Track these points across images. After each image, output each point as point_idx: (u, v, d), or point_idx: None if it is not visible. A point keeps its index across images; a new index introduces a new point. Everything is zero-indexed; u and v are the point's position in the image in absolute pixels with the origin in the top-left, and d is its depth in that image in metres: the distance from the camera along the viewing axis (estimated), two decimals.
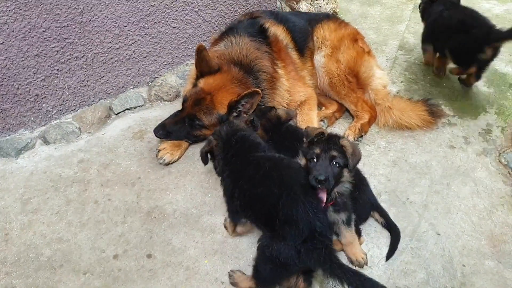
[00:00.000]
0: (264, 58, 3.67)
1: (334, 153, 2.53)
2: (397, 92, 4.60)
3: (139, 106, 4.16)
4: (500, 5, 6.50)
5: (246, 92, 3.24)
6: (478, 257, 2.92)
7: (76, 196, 3.28)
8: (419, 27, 5.87)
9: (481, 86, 4.67)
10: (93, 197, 3.27)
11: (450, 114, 4.27)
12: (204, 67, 3.47)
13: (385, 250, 2.93)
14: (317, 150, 2.54)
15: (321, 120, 4.01)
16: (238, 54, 3.59)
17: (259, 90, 3.26)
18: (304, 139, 2.68)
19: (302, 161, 2.64)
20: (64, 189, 3.33)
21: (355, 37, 4.39)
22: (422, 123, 4.02)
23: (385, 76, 4.49)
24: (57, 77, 3.69)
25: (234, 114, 3.41)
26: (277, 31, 4.01)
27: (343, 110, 4.24)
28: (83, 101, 3.92)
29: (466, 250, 2.96)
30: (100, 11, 3.64)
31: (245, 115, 3.42)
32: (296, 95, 3.83)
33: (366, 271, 2.79)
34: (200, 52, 3.39)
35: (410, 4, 6.59)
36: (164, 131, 3.51)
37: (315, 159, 2.54)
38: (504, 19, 6.06)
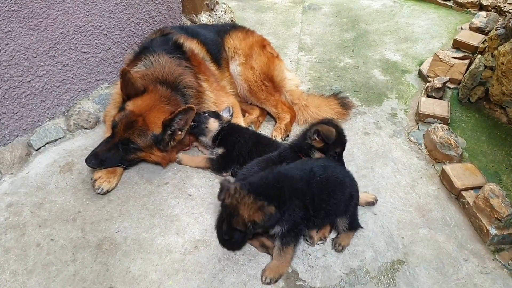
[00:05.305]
0: (187, 73, 3.73)
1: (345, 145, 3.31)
2: (307, 91, 4.92)
3: (59, 138, 3.96)
4: (378, 0, 7.21)
5: (180, 109, 3.28)
6: (412, 228, 3.28)
7: (14, 243, 3.05)
8: (313, 28, 6.35)
9: (378, 75, 5.18)
10: (34, 240, 3.07)
11: (358, 104, 4.69)
12: (130, 90, 3.43)
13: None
14: (338, 149, 3.22)
15: (249, 126, 4.16)
16: (162, 73, 3.60)
17: (194, 106, 3.32)
18: (315, 137, 3.17)
19: (316, 155, 3.21)
20: None
21: (263, 44, 4.64)
22: (337, 116, 4.37)
23: (295, 77, 4.82)
24: None
25: (169, 132, 3.43)
26: (192, 45, 4.09)
27: (265, 114, 4.45)
28: None
29: (401, 224, 3.31)
30: (7, 44, 3.41)
31: (179, 132, 3.45)
32: (222, 105, 3.93)
33: (321, 260, 3.01)
34: (125, 75, 3.35)
35: (299, 8, 7.04)
36: (97, 160, 3.39)
37: (336, 157, 3.21)
38: (383, 13, 6.76)
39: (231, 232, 2.80)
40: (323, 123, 3.24)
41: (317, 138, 3.16)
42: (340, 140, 3.20)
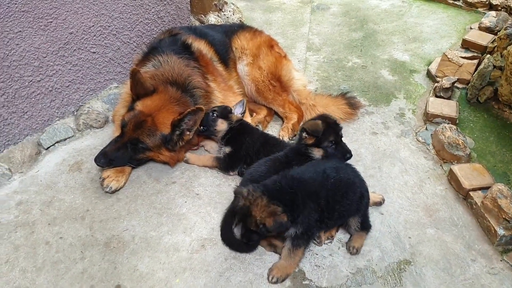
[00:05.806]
0: (196, 74, 3.75)
1: (341, 132, 3.23)
2: (315, 90, 4.92)
3: (69, 138, 4.00)
4: (386, 0, 7.19)
5: (189, 109, 3.31)
6: (419, 228, 3.28)
7: (23, 240, 3.09)
8: (321, 28, 6.35)
9: (386, 75, 5.17)
10: (43, 238, 3.11)
11: (366, 104, 4.68)
12: (140, 90, 3.45)
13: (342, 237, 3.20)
14: (332, 138, 3.14)
15: (256, 125, 4.17)
16: (171, 73, 3.62)
17: (203, 107, 3.35)
18: (305, 135, 3.16)
19: (318, 153, 3.17)
20: (8, 236, 3.12)
21: (271, 44, 4.65)
22: (345, 116, 4.37)
23: (303, 77, 4.82)
24: None
25: (177, 132, 3.45)
26: (200, 45, 4.11)
27: (272, 113, 4.46)
28: (8, 140, 3.68)
29: (409, 224, 3.31)
30: (17, 44, 3.46)
31: (188, 132, 3.48)
32: (229, 105, 3.95)
33: (327, 259, 3.02)
34: (135, 75, 3.38)
35: (307, 8, 7.04)
36: (106, 159, 3.42)
37: (333, 146, 3.15)
38: (392, 13, 6.75)
39: (249, 235, 2.80)
40: (310, 120, 3.27)
41: (307, 136, 3.17)
42: (330, 129, 3.16)
